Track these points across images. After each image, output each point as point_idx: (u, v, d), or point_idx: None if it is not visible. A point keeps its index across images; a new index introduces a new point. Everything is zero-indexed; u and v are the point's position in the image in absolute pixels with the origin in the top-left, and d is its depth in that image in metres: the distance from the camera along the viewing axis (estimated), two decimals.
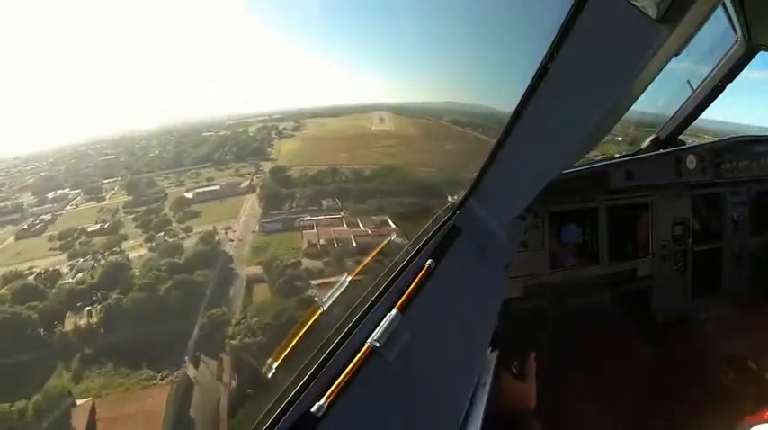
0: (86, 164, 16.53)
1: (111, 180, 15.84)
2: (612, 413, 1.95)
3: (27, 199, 15.02)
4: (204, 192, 15.34)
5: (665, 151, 2.63)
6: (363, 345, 0.93)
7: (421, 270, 1.16)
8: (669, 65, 1.83)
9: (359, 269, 1.16)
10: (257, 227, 13.77)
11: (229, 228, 13.59)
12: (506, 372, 1.30)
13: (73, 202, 14.99)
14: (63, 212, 14.47)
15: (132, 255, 12.63)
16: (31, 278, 11.44)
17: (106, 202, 15.07)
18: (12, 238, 13.43)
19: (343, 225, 13.13)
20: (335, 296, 1.07)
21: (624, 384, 2.15)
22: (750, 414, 1.13)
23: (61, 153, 16.99)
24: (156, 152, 16.69)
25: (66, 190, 15.35)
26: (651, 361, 2.31)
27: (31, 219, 14.05)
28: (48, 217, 14.24)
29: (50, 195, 15.11)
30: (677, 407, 2.04)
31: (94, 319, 10.16)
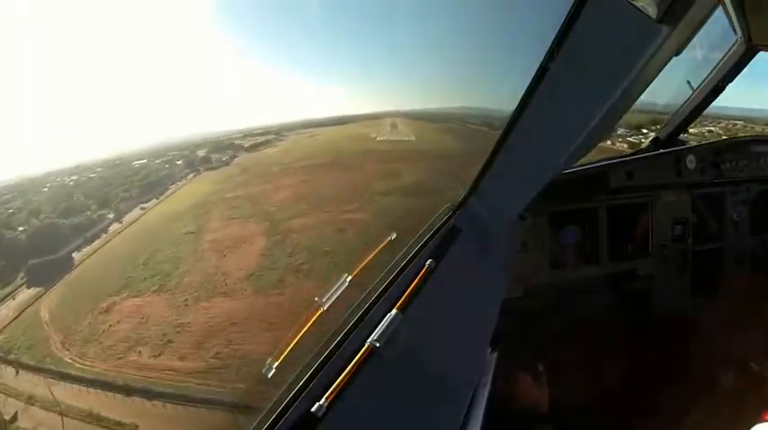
0: None
1: None
2: (612, 413, 1.95)
3: None
4: None
5: (665, 151, 2.63)
6: (363, 345, 0.93)
7: (421, 270, 1.16)
8: (669, 65, 1.84)
9: (359, 269, 1.16)
10: None
11: None
12: (523, 374, 1.30)
13: None
14: None
15: None
16: None
17: None
18: None
19: None
20: (335, 296, 1.07)
21: (624, 384, 2.15)
22: (750, 414, 1.13)
23: None
24: None
25: None
26: (651, 361, 2.31)
27: None
28: None
29: None
30: (677, 407, 2.04)
31: None
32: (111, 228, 10.54)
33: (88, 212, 10.56)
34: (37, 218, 9.82)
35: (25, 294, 8.25)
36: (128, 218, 11.05)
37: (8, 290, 8.29)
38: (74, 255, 9.31)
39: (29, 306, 8.03)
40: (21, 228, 9.43)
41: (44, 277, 8.41)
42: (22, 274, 8.44)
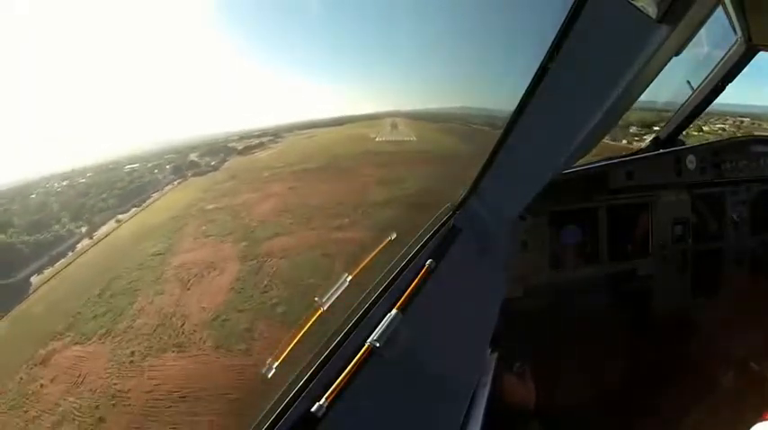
0: None
1: None
2: (612, 413, 1.95)
3: None
4: None
5: (664, 151, 2.63)
6: (363, 345, 0.93)
7: (421, 270, 1.16)
8: (669, 65, 1.84)
9: (359, 269, 1.16)
10: None
11: None
12: (507, 374, 1.31)
13: None
14: None
15: None
16: None
17: None
18: None
19: None
20: (335, 296, 1.07)
21: (624, 384, 2.15)
22: (750, 414, 1.13)
23: None
24: None
25: None
26: (651, 361, 2.31)
27: None
28: None
29: None
30: (677, 407, 2.04)
31: None
32: (79, 245, 9.15)
33: (57, 227, 9.29)
34: (5, 233, 8.68)
35: None
36: (100, 232, 9.70)
37: None
38: (32, 279, 8.00)
39: None
40: None
41: None
42: None
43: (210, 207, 10.37)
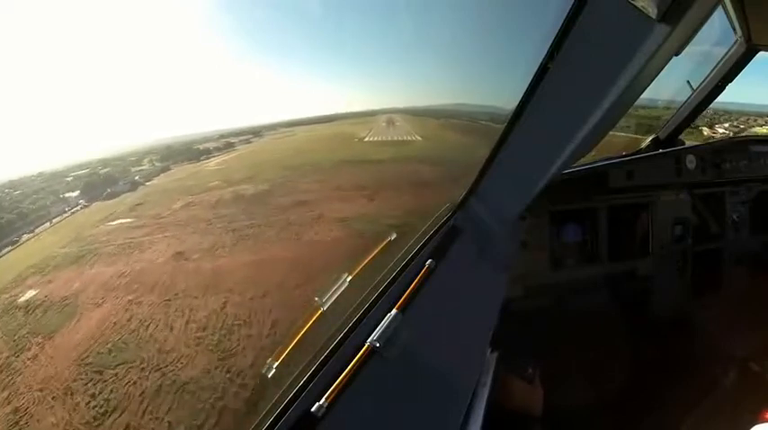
0: None
1: None
2: (612, 413, 1.96)
3: None
4: None
5: (664, 151, 2.63)
6: (363, 345, 0.93)
7: (421, 270, 1.16)
8: (669, 65, 1.84)
9: (359, 269, 1.16)
10: None
11: None
12: (515, 376, 1.30)
13: None
14: None
15: None
16: None
17: None
18: None
19: None
20: (335, 296, 1.07)
21: (624, 384, 2.15)
22: (750, 414, 1.13)
23: None
24: None
25: None
26: (651, 361, 2.31)
27: None
28: None
29: None
30: (677, 407, 2.04)
31: None
32: None
33: None
34: None
35: None
36: None
37: None
38: None
39: None
40: None
41: None
42: None
43: (25, 298, 5.86)
